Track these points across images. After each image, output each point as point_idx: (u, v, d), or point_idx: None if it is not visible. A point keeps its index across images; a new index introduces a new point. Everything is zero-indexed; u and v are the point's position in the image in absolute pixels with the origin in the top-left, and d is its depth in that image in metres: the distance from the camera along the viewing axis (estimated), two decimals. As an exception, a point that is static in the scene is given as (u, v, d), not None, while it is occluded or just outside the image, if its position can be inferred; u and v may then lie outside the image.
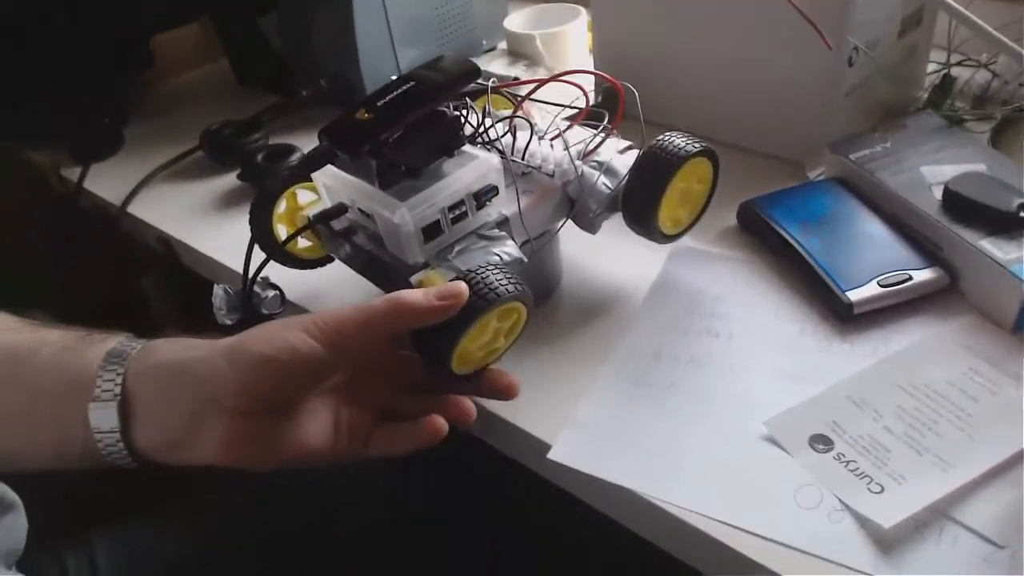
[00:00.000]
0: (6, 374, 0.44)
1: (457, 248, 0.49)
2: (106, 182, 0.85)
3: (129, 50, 1.00)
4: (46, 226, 0.97)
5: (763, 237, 0.59)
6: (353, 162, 0.48)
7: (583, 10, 0.92)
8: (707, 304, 0.55)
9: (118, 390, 0.41)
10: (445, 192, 0.47)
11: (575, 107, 0.56)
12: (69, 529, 0.63)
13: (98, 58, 0.91)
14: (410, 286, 0.47)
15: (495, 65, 0.90)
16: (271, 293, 0.59)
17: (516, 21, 0.94)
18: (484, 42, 0.99)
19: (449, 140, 0.49)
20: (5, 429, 0.44)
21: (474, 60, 0.94)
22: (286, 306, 0.60)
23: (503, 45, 1.00)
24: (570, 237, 0.56)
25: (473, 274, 0.44)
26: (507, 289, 0.44)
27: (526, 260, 0.50)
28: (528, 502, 0.63)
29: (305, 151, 0.79)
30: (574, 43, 0.91)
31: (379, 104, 0.47)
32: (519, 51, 0.93)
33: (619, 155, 0.55)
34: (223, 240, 0.71)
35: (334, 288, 0.61)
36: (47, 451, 0.44)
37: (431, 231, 0.48)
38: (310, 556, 0.62)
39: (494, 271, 0.44)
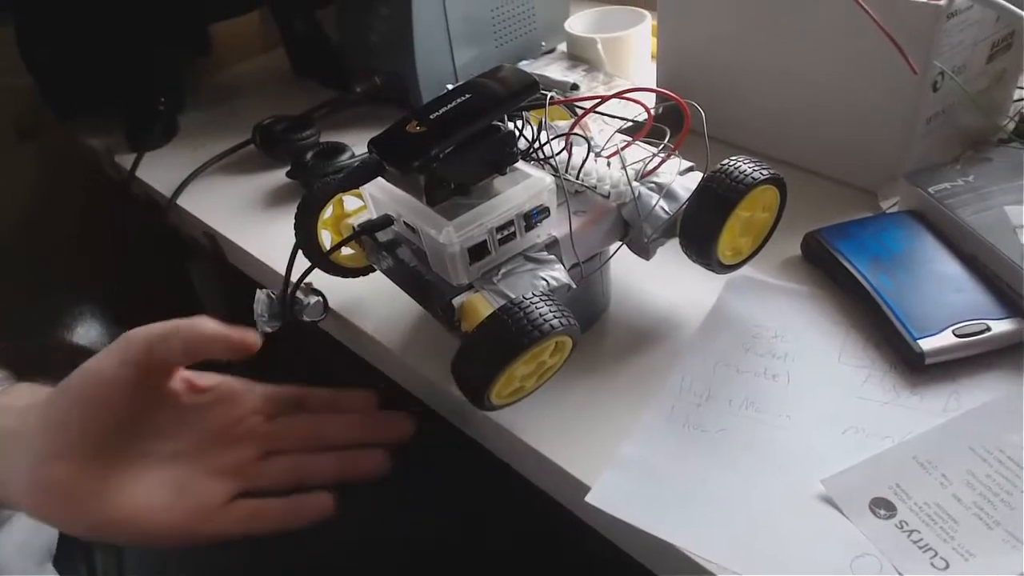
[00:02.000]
0: None
1: (503, 270, 0.47)
2: (158, 170, 0.85)
3: (188, 36, 1.00)
4: (98, 210, 0.98)
5: (829, 271, 0.56)
6: (402, 176, 0.46)
7: (648, 14, 0.89)
8: (765, 341, 0.52)
9: None
10: (494, 212, 0.45)
11: (633, 120, 0.53)
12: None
13: (157, 43, 0.91)
14: (451, 308, 0.46)
15: (553, 68, 0.87)
16: (313, 299, 0.58)
17: (578, 23, 0.91)
18: (543, 43, 0.96)
19: (502, 157, 0.47)
20: None
21: (532, 61, 0.92)
22: (327, 313, 0.59)
23: (563, 47, 0.97)
24: (619, 258, 0.53)
25: (518, 308, 0.41)
26: (553, 324, 0.41)
27: (574, 286, 0.47)
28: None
29: (356, 151, 0.78)
30: (637, 48, 0.88)
31: (432, 117, 0.45)
32: (579, 55, 0.90)
33: (679, 177, 0.52)
34: (269, 240, 0.70)
35: (376, 297, 0.60)
36: None
37: (477, 252, 0.46)
38: (339, 565, 0.61)
39: (540, 304, 0.42)
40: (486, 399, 0.43)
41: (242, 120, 0.91)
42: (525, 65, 0.91)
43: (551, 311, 0.42)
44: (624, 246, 0.52)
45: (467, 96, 0.46)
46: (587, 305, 0.54)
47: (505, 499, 0.63)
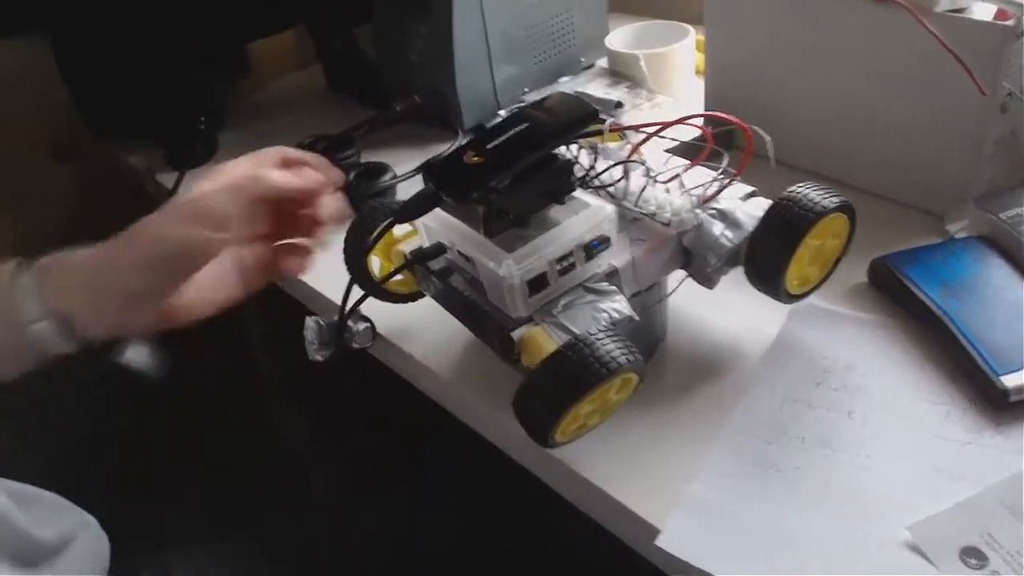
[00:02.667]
0: None
1: (563, 302, 0.45)
2: (198, 191, 0.84)
3: (228, 55, 1.00)
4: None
5: (898, 298, 0.54)
6: (460, 207, 0.45)
7: (691, 29, 0.87)
8: (836, 374, 0.49)
9: (43, 311, 0.44)
10: (554, 244, 0.44)
11: (683, 141, 0.51)
12: (144, 548, 0.63)
13: (197, 62, 0.91)
14: (511, 340, 0.44)
15: (595, 86, 0.86)
16: (362, 326, 0.57)
17: (619, 39, 0.89)
18: (582, 59, 0.95)
19: (560, 186, 0.45)
20: None
21: (571, 78, 0.91)
22: (376, 339, 0.58)
23: (602, 63, 0.95)
24: (674, 283, 0.52)
25: (584, 344, 0.40)
26: (620, 362, 0.40)
27: (636, 318, 0.46)
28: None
29: (397, 171, 0.77)
30: (681, 64, 0.86)
31: (489, 147, 0.43)
32: (621, 71, 0.88)
33: (741, 203, 0.50)
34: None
35: (425, 323, 0.59)
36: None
37: (537, 284, 0.44)
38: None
39: (606, 340, 0.40)
40: (550, 438, 0.42)
41: (280, 138, 0.89)
42: (565, 82, 0.90)
43: (618, 347, 0.40)
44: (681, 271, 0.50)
45: (525, 125, 0.44)
46: (645, 335, 0.52)
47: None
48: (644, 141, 0.48)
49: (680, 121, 0.46)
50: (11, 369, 0.47)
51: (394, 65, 0.90)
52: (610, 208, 0.45)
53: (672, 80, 0.85)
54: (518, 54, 0.88)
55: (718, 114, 0.47)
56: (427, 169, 0.44)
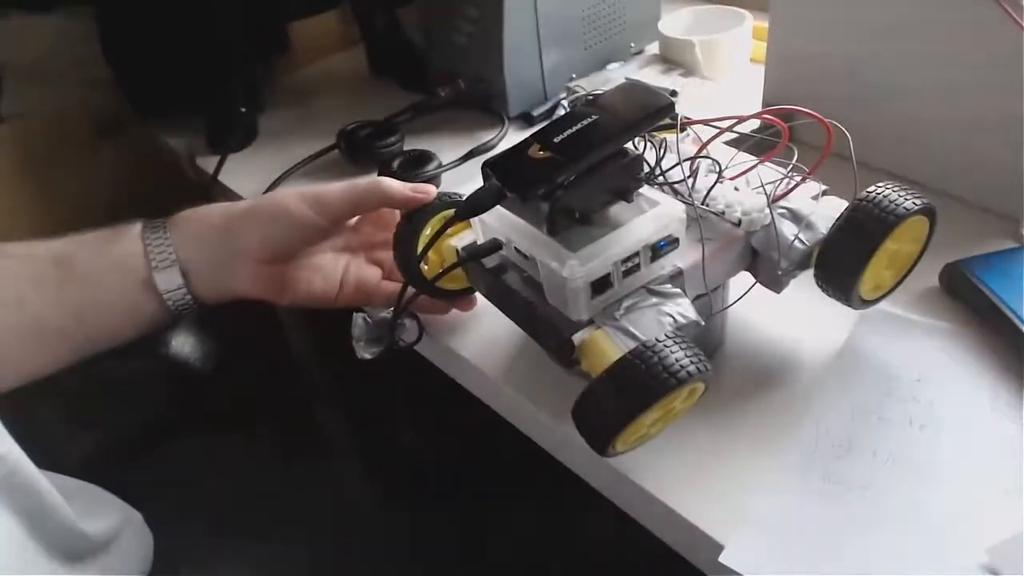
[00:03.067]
0: (65, 272, 0.50)
1: (626, 304, 0.43)
2: (238, 174, 0.83)
3: (269, 35, 0.98)
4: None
5: (973, 306, 0.51)
6: (524, 203, 0.43)
7: (748, 15, 0.83)
8: (907, 385, 0.47)
9: (172, 256, 0.50)
10: (620, 244, 0.42)
11: (743, 134, 0.49)
12: (184, 544, 0.62)
13: (239, 42, 0.90)
14: (571, 344, 0.42)
15: (647, 73, 0.83)
16: (409, 323, 0.55)
17: (672, 24, 0.86)
18: (632, 45, 0.92)
19: (628, 183, 0.43)
20: (86, 316, 0.50)
21: (622, 64, 0.88)
22: (422, 336, 0.57)
23: (652, 48, 0.92)
24: (732, 284, 0.50)
25: (652, 352, 0.38)
26: (690, 371, 0.38)
27: (703, 323, 0.43)
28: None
29: (442, 159, 0.75)
30: (736, 52, 0.83)
31: (556, 141, 0.41)
32: (673, 58, 0.85)
33: (812, 202, 0.48)
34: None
35: (474, 320, 0.57)
36: (116, 319, 0.51)
37: (600, 285, 0.42)
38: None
39: (674, 347, 0.38)
40: (610, 448, 0.40)
41: (322, 122, 0.89)
42: (615, 68, 0.87)
43: (687, 355, 0.38)
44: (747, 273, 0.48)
45: (594, 117, 0.42)
46: (704, 339, 0.50)
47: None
48: (718, 135, 0.45)
49: (758, 115, 0.44)
50: (119, 332, 0.51)
51: (440, 49, 0.87)
52: (680, 207, 0.43)
53: (726, 67, 0.82)
54: (568, 39, 0.85)
55: (796, 108, 0.44)
56: (490, 164, 0.42)
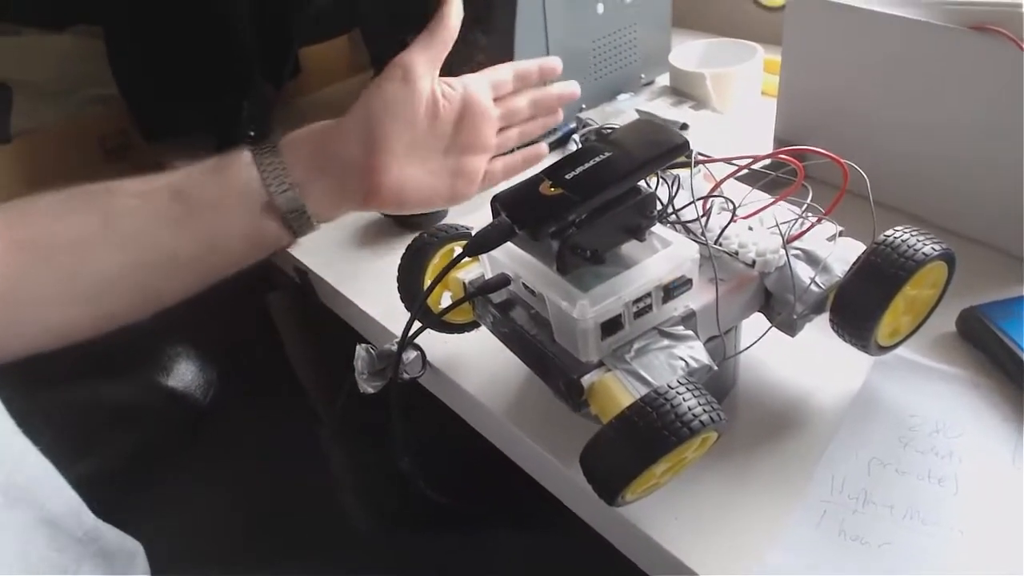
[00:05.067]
0: (187, 206, 0.51)
1: (636, 346, 0.42)
2: (245, 198, 0.82)
3: (278, 59, 0.98)
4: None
5: (991, 353, 0.50)
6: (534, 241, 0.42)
7: (759, 48, 0.83)
8: (925, 436, 0.46)
9: (288, 180, 0.51)
10: (632, 285, 0.41)
11: (752, 169, 0.47)
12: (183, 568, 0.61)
13: (249, 68, 0.90)
14: (580, 386, 0.41)
15: (658, 105, 0.83)
16: (413, 355, 0.54)
17: (683, 56, 0.86)
18: (642, 76, 0.91)
19: (640, 221, 0.42)
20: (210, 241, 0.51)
21: (632, 95, 0.87)
22: (426, 369, 0.55)
23: (663, 79, 0.92)
24: (744, 326, 0.48)
25: (664, 399, 0.36)
26: (703, 421, 0.36)
27: (715, 368, 0.42)
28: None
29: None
30: (747, 85, 0.83)
31: (567, 177, 0.41)
32: (684, 90, 0.85)
33: (827, 244, 0.46)
34: (362, 282, 0.67)
35: (479, 354, 0.56)
36: (244, 245, 0.52)
37: (610, 326, 0.41)
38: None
39: (687, 395, 0.37)
40: (620, 498, 0.39)
41: (330, 148, 0.89)
42: (625, 99, 0.87)
43: (699, 404, 0.37)
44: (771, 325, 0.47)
45: (606, 154, 0.41)
46: (715, 383, 0.49)
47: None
48: (733, 175, 0.45)
49: (774, 155, 0.43)
50: (246, 256, 0.53)
51: (450, 76, 0.87)
52: (693, 247, 0.42)
53: (738, 101, 0.82)
54: (578, 69, 0.85)
55: (812, 149, 0.43)
56: (500, 200, 0.41)
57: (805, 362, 0.51)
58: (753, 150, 0.54)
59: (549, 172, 0.41)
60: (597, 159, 0.41)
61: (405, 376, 0.54)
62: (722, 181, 0.46)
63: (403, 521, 0.68)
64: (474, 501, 0.63)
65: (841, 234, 0.47)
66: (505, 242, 0.41)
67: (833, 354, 0.49)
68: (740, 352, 0.48)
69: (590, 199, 0.39)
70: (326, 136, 0.53)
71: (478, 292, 0.47)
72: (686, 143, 0.41)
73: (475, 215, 0.72)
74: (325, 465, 0.72)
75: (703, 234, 0.45)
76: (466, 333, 0.55)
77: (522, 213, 0.40)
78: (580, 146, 0.53)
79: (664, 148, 0.41)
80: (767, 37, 0.91)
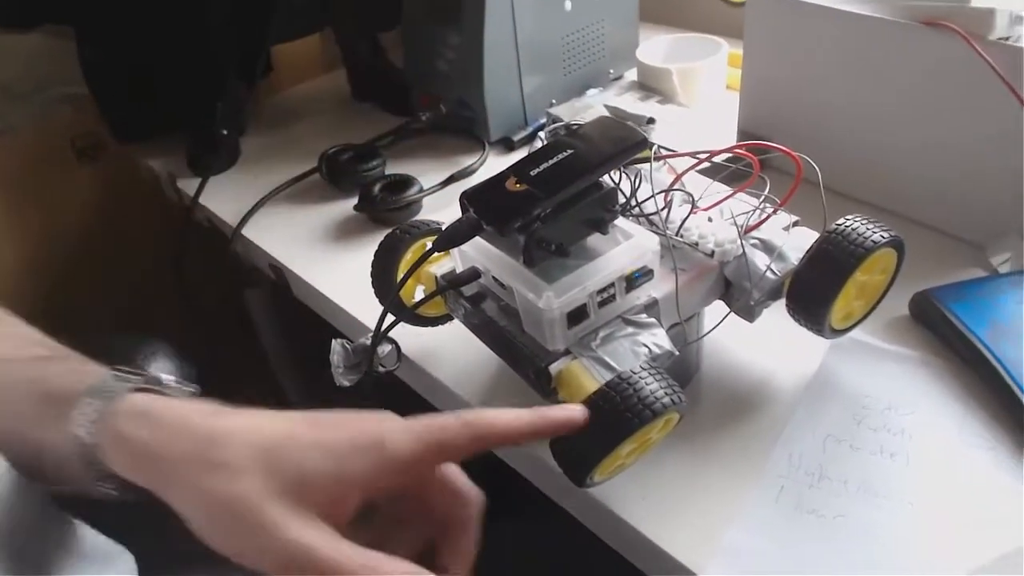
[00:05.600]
0: None
1: (601, 334, 0.44)
2: (219, 196, 0.83)
3: (251, 57, 0.98)
4: (156, 233, 0.97)
5: (942, 335, 0.52)
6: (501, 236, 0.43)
7: (724, 43, 0.85)
8: (878, 413, 0.48)
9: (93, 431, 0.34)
10: (596, 276, 0.42)
11: (714, 163, 0.49)
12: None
13: (221, 66, 0.90)
14: (548, 374, 0.43)
15: (625, 99, 0.84)
16: (387, 348, 0.55)
17: (650, 52, 0.88)
18: (611, 71, 0.93)
19: (603, 214, 0.44)
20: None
21: (600, 90, 0.89)
22: (401, 362, 0.57)
23: (631, 74, 0.94)
24: (707, 313, 0.50)
25: (627, 384, 0.38)
26: (664, 403, 0.38)
27: (677, 353, 0.44)
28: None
29: (424, 183, 0.76)
30: (712, 79, 0.85)
31: (532, 174, 0.42)
32: (651, 84, 0.87)
33: (783, 233, 0.49)
34: (336, 276, 0.68)
35: (451, 345, 0.57)
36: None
37: (576, 316, 0.43)
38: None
39: (650, 379, 0.39)
40: (588, 479, 0.40)
41: (304, 145, 0.90)
42: (594, 94, 0.88)
43: (662, 387, 0.39)
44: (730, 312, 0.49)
45: (569, 152, 0.43)
46: (680, 368, 0.51)
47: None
48: (692, 168, 0.46)
49: (730, 149, 0.45)
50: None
51: (421, 73, 0.88)
52: (654, 239, 0.44)
53: (703, 95, 0.84)
54: (547, 64, 0.86)
55: (767, 144, 0.45)
56: (468, 196, 0.43)
57: (765, 346, 0.54)
58: (718, 143, 0.56)
59: (515, 169, 0.43)
60: (561, 156, 0.43)
61: (381, 369, 0.55)
62: (681, 175, 0.48)
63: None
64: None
65: (796, 224, 0.49)
66: (473, 237, 0.43)
67: (791, 338, 0.51)
68: (700, 338, 0.50)
69: (554, 195, 0.41)
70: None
71: (450, 286, 0.48)
72: (645, 140, 0.43)
73: (447, 211, 0.74)
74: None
75: (664, 226, 0.47)
76: (439, 326, 0.56)
77: (489, 209, 0.42)
78: (545, 143, 0.54)
79: (625, 144, 0.43)
80: (732, 32, 0.92)
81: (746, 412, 0.50)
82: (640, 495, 0.45)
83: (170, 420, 0.34)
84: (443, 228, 0.45)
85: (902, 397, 0.49)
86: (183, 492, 0.32)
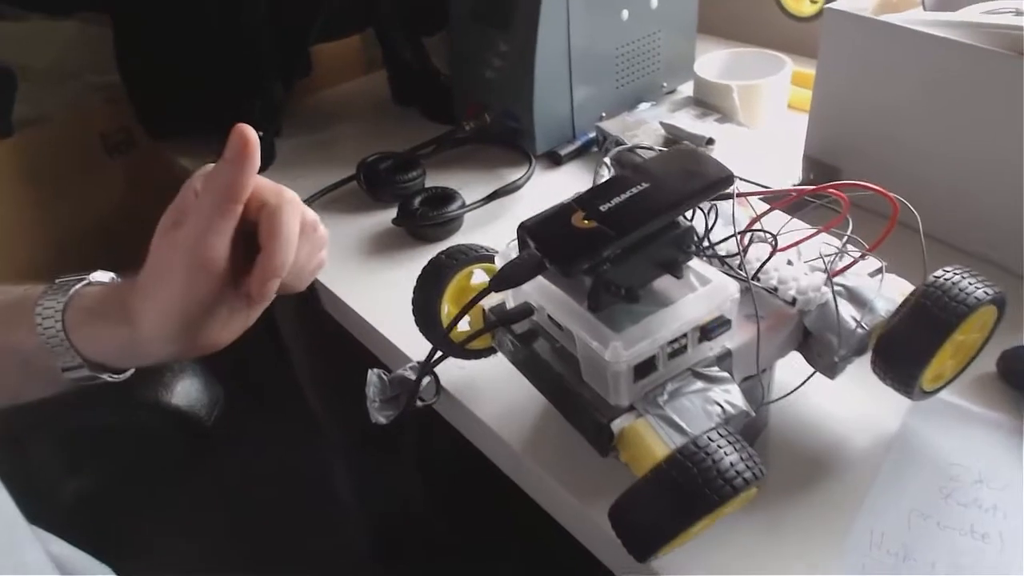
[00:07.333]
0: None
1: (669, 388, 0.39)
2: (253, 200, 0.80)
3: (291, 56, 0.95)
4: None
5: (1036, 398, 0.47)
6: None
7: (787, 60, 0.80)
8: (967, 487, 0.43)
9: (59, 326, 0.41)
10: (669, 325, 0.38)
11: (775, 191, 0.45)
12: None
13: (260, 64, 0.87)
14: (610, 432, 0.39)
15: (682, 117, 0.80)
16: (425, 380, 0.52)
17: (708, 66, 0.83)
18: (664, 84, 0.89)
19: (678, 255, 0.40)
20: None
21: (653, 105, 0.85)
22: (440, 395, 0.53)
23: (685, 89, 0.89)
24: (783, 364, 0.46)
25: (704, 453, 0.34)
26: (746, 478, 0.34)
27: (753, 414, 0.40)
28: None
29: (466, 198, 0.72)
30: (775, 98, 0.80)
31: (603, 209, 0.38)
32: (709, 101, 0.82)
33: (871, 281, 0.44)
34: (371, 294, 0.65)
35: (493, 379, 0.54)
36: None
37: (643, 369, 0.39)
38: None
39: (728, 448, 0.35)
40: (653, 555, 0.36)
41: (341, 150, 0.86)
42: (646, 108, 0.84)
43: (742, 458, 0.35)
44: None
45: (644, 186, 0.39)
46: (747, 425, 0.46)
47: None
48: (776, 207, 0.42)
49: (822, 188, 0.41)
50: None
51: (466, 80, 0.84)
52: (733, 286, 0.39)
53: (764, 114, 0.79)
54: (599, 76, 0.82)
55: (864, 184, 0.41)
56: (528, 230, 0.39)
57: (839, 402, 0.49)
58: (781, 167, 0.51)
59: (582, 202, 0.39)
60: (633, 190, 0.38)
61: (419, 403, 0.51)
62: (763, 214, 0.43)
63: (406, 549, 0.66)
64: (480, 532, 0.60)
65: (880, 271, 0.45)
66: (534, 277, 0.39)
67: (868, 393, 0.46)
68: (779, 399, 0.45)
69: (627, 235, 0.37)
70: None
71: (500, 322, 0.44)
72: (731, 176, 0.39)
73: (490, 228, 0.70)
74: (329, 487, 0.70)
75: (744, 270, 0.43)
76: (482, 359, 0.52)
77: (553, 247, 0.38)
78: (612, 170, 0.50)
79: (707, 181, 0.38)
80: (794, 47, 0.88)
81: (820, 478, 0.45)
82: (704, 566, 0.41)
83: (115, 285, 0.45)
84: (495, 256, 0.41)
85: (993, 468, 0.44)
86: (143, 302, 0.41)
